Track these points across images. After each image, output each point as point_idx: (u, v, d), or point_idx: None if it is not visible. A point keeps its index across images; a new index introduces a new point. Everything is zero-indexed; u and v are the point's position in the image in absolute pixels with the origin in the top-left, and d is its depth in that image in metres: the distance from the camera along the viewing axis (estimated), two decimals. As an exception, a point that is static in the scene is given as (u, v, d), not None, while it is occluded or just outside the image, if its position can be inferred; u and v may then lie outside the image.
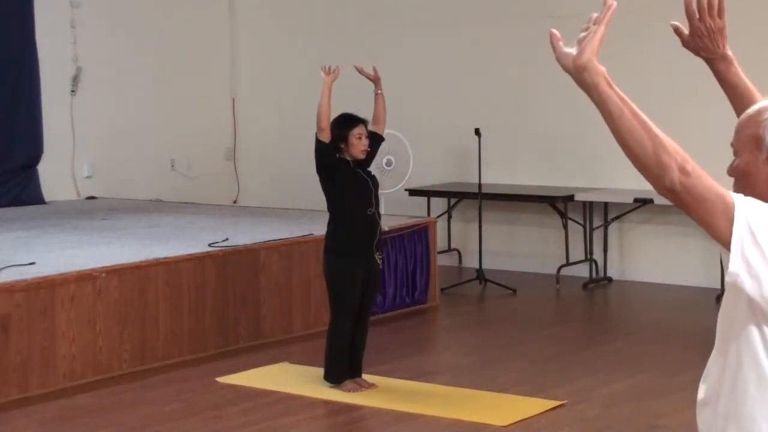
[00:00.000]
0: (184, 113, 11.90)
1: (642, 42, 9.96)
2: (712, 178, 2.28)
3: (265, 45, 12.37)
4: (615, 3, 2.37)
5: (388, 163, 9.74)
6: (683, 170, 2.25)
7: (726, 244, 2.25)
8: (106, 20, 11.31)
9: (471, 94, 10.96)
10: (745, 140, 2.45)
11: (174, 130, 11.81)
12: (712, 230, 2.27)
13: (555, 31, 2.37)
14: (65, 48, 11.01)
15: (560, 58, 2.34)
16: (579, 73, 2.31)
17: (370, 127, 6.76)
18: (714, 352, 2.46)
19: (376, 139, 6.80)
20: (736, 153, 2.48)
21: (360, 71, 7.10)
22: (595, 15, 2.35)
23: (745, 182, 2.43)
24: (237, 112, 12.50)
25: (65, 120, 10.98)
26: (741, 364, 2.35)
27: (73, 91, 11.11)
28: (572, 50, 2.33)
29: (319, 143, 6.56)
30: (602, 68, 2.32)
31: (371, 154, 6.74)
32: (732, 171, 2.47)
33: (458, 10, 11.03)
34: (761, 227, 2.25)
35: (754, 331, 2.33)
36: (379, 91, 7.01)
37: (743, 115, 2.47)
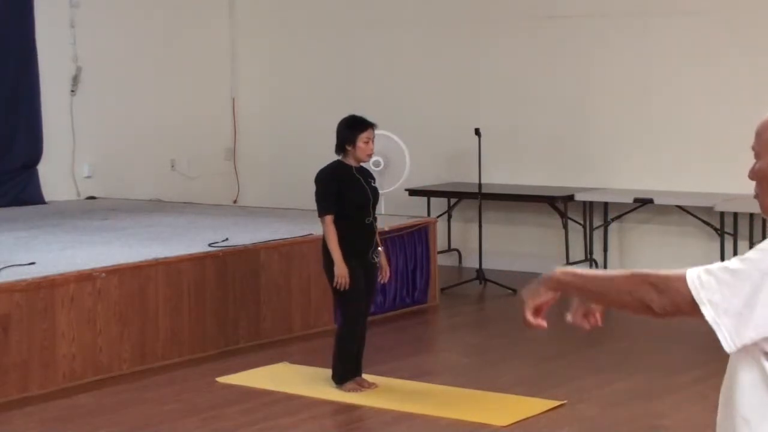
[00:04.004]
0: (185, 113, 11.89)
1: (642, 42, 9.96)
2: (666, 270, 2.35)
3: (265, 45, 12.37)
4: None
5: (377, 164, 9.73)
6: (657, 292, 2.31)
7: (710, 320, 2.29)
8: (106, 20, 11.30)
9: (471, 94, 10.96)
10: (767, 142, 2.43)
11: (174, 131, 11.80)
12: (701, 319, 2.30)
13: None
14: (65, 48, 11.01)
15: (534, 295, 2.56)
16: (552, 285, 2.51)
17: None
18: (729, 364, 2.47)
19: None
20: (757, 156, 2.45)
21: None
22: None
23: (765, 184, 2.43)
24: (237, 112, 12.50)
25: (65, 120, 10.98)
26: (749, 378, 2.35)
27: (72, 91, 11.11)
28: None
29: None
30: (557, 273, 2.50)
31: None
32: (753, 174, 2.46)
33: (459, 10, 11.03)
34: (713, 284, 2.27)
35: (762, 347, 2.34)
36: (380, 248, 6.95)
37: (764, 117, 2.46)
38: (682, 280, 2.29)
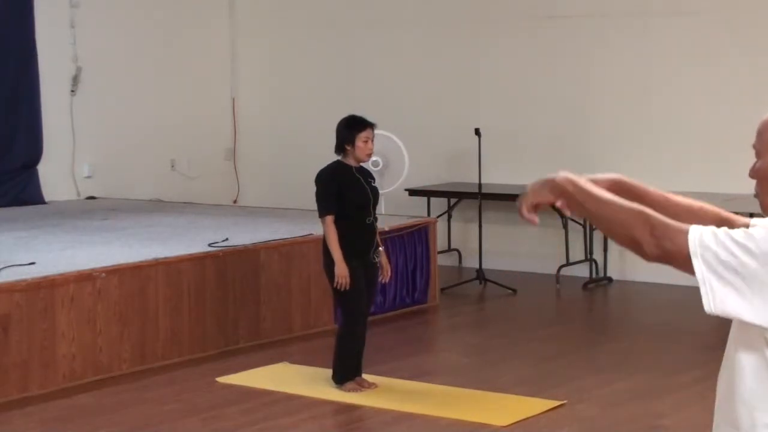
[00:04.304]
0: (185, 113, 11.90)
1: (642, 42, 9.96)
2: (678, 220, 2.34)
3: (265, 45, 12.37)
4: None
5: (375, 164, 9.72)
6: (652, 235, 2.32)
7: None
8: (106, 20, 11.31)
9: (471, 94, 10.96)
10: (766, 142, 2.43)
11: (174, 131, 11.81)
12: (691, 274, 2.31)
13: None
14: (65, 48, 11.01)
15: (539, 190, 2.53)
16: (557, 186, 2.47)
17: None
18: (725, 357, 2.46)
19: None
20: (758, 155, 2.45)
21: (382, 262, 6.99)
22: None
23: (766, 183, 2.43)
24: (237, 112, 12.50)
25: (65, 120, 10.98)
26: (751, 369, 2.35)
27: (73, 91, 11.11)
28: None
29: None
30: (565, 181, 2.47)
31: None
32: (754, 173, 2.46)
33: (459, 10, 11.03)
34: (712, 246, 2.27)
35: (762, 337, 2.33)
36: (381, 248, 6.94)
37: (765, 116, 2.46)
38: (684, 233, 2.29)
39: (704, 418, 2.53)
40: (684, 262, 2.30)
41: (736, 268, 2.25)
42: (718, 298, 2.27)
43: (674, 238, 2.30)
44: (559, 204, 2.49)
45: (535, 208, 2.56)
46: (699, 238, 2.28)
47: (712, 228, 2.29)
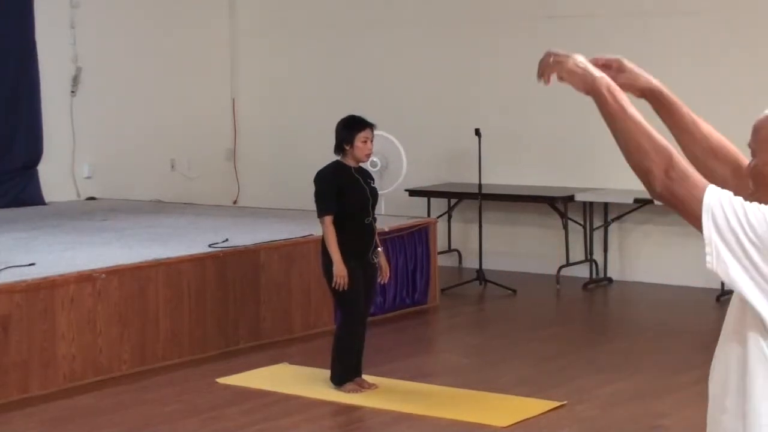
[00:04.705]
0: (185, 114, 11.90)
1: (642, 42, 9.96)
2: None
3: (265, 46, 12.37)
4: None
5: (374, 165, 9.71)
6: (667, 175, 2.32)
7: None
8: (106, 21, 11.31)
9: (471, 95, 10.96)
10: (763, 140, 2.44)
11: (174, 131, 11.81)
12: (697, 228, 2.32)
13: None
14: (65, 48, 11.01)
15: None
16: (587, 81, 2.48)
17: None
18: (718, 350, 2.46)
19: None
20: (753, 153, 2.47)
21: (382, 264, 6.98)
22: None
23: (763, 183, 2.43)
24: (237, 112, 12.50)
25: (65, 120, 10.98)
26: (747, 360, 2.35)
27: (73, 92, 11.11)
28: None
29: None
30: (600, 79, 2.47)
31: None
32: (749, 171, 2.47)
33: (459, 10, 11.03)
34: (725, 213, 2.28)
35: (760, 327, 2.33)
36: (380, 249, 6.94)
37: (761, 115, 2.47)
38: (701, 189, 2.30)
39: (704, 417, 2.53)
40: (689, 214, 2.31)
41: (743, 243, 2.27)
42: (722, 260, 2.29)
43: (690, 189, 2.30)
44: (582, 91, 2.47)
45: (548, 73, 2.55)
46: (716, 200, 2.28)
47: (729, 195, 2.30)
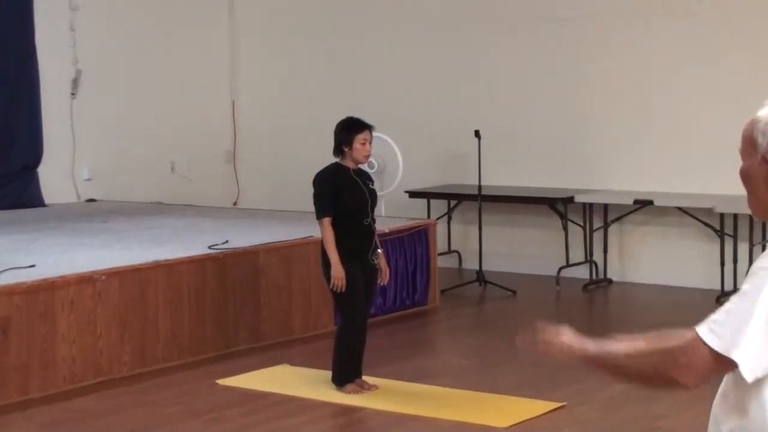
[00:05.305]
0: (185, 116, 11.90)
1: (642, 42, 9.96)
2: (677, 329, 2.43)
3: (264, 48, 12.37)
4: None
5: (371, 166, 9.70)
6: (683, 370, 2.37)
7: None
8: (106, 23, 11.31)
9: (471, 96, 10.95)
10: (746, 144, 2.49)
11: (174, 133, 11.81)
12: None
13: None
14: (65, 51, 11.01)
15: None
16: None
17: None
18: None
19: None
20: (742, 157, 2.51)
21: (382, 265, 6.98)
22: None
23: (748, 185, 2.48)
24: (237, 114, 12.50)
25: (65, 122, 10.98)
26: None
27: (73, 94, 11.11)
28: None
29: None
30: (578, 346, 2.65)
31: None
32: (740, 174, 2.51)
33: (459, 11, 11.03)
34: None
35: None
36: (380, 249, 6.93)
37: (749, 120, 2.51)
38: (698, 339, 2.36)
39: (703, 419, 2.53)
40: (720, 365, 2.35)
41: (753, 323, 2.34)
42: (754, 362, 2.33)
43: (698, 349, 2.36)
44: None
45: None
46: (710, 328, 2.37)
47: (709, 318, 2.39)
